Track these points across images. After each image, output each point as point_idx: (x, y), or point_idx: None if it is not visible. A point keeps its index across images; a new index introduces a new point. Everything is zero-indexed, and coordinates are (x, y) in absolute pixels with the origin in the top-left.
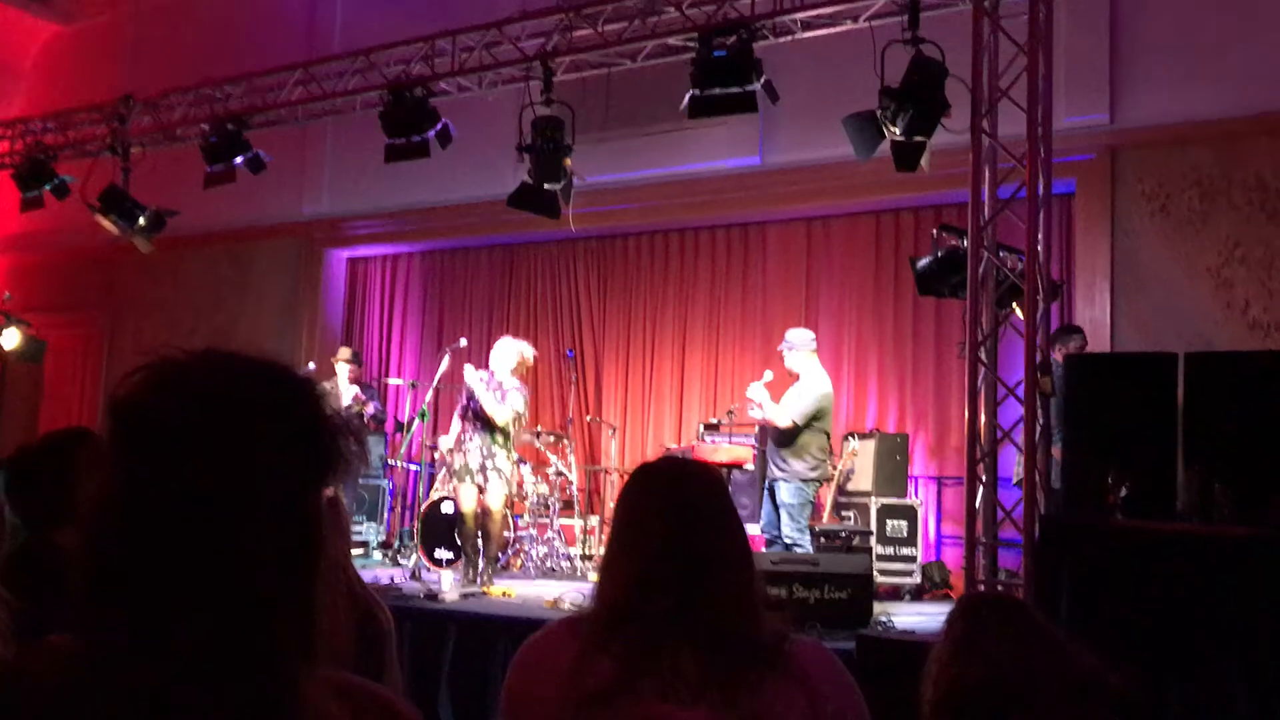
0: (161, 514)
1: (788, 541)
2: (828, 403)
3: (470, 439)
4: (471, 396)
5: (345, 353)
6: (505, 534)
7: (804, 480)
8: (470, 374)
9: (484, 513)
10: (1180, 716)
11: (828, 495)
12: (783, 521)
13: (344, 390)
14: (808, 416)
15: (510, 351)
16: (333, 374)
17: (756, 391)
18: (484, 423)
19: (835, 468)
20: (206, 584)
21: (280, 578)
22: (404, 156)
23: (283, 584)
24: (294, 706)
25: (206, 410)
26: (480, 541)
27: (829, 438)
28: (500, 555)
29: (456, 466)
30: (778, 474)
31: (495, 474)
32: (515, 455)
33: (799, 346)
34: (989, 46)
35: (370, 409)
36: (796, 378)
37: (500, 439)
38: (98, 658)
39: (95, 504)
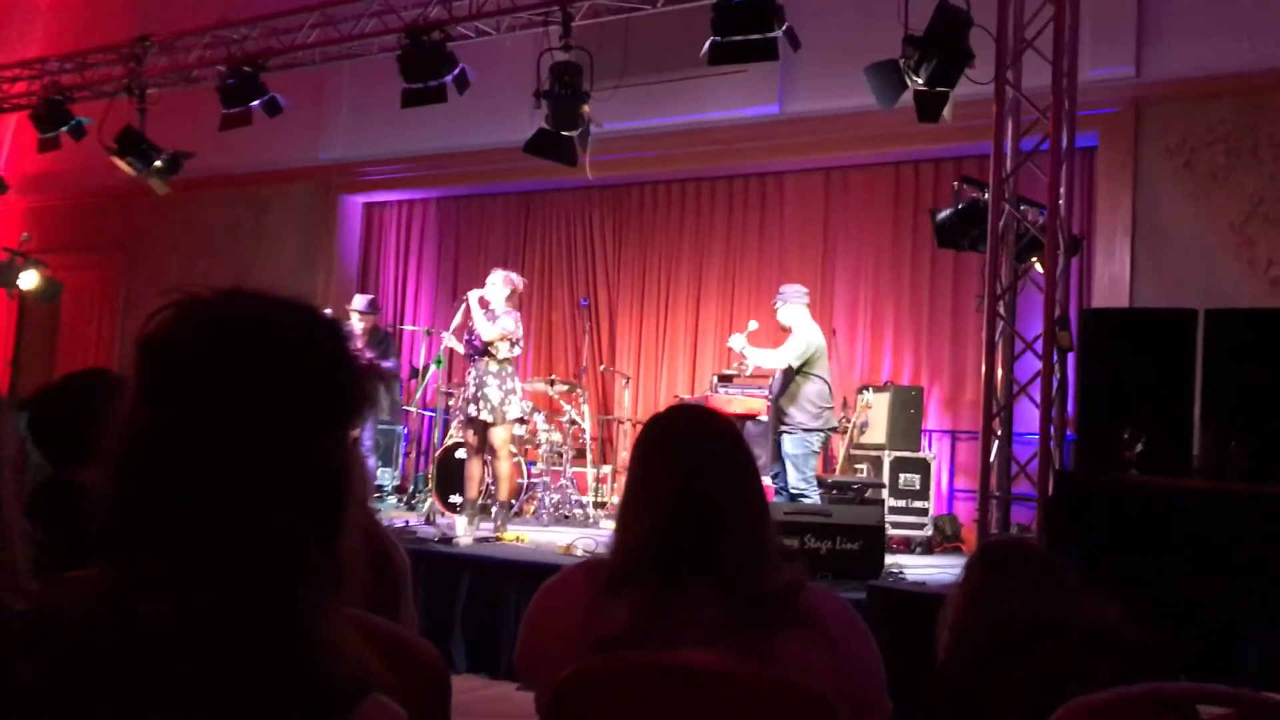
0: (187, 452)
1: (793, 492)
2: (819, 350)
3: (470, 373)
4: (468, 315)
5: (360, 301)
6: (519, 480)
7: (806, 430)
8: (472, 296)
9: (491, 452)
10: (1192, 669)
11: (841, 448)
12: (788, 472)
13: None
14: (799, 358)
15: (498, 280)
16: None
17: (736, 341)
18: (478, 348)
19: (849, 420)
20: (232, 522)
21: (305, 515)
22: (421, 101)
23: (309, 524)
24: (317, 637)
25: (233, 350)
26: (493, 486)
27: (829, 387)
28: (514, 501)
29: (459, 403)
30: (781, 427)
31: (489, 411)
32: (516, 387)
33: (792, 299)
34: None
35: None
36: (789, 331)
37: (494, 367)
38: (123, 593)
39: (121, 441)
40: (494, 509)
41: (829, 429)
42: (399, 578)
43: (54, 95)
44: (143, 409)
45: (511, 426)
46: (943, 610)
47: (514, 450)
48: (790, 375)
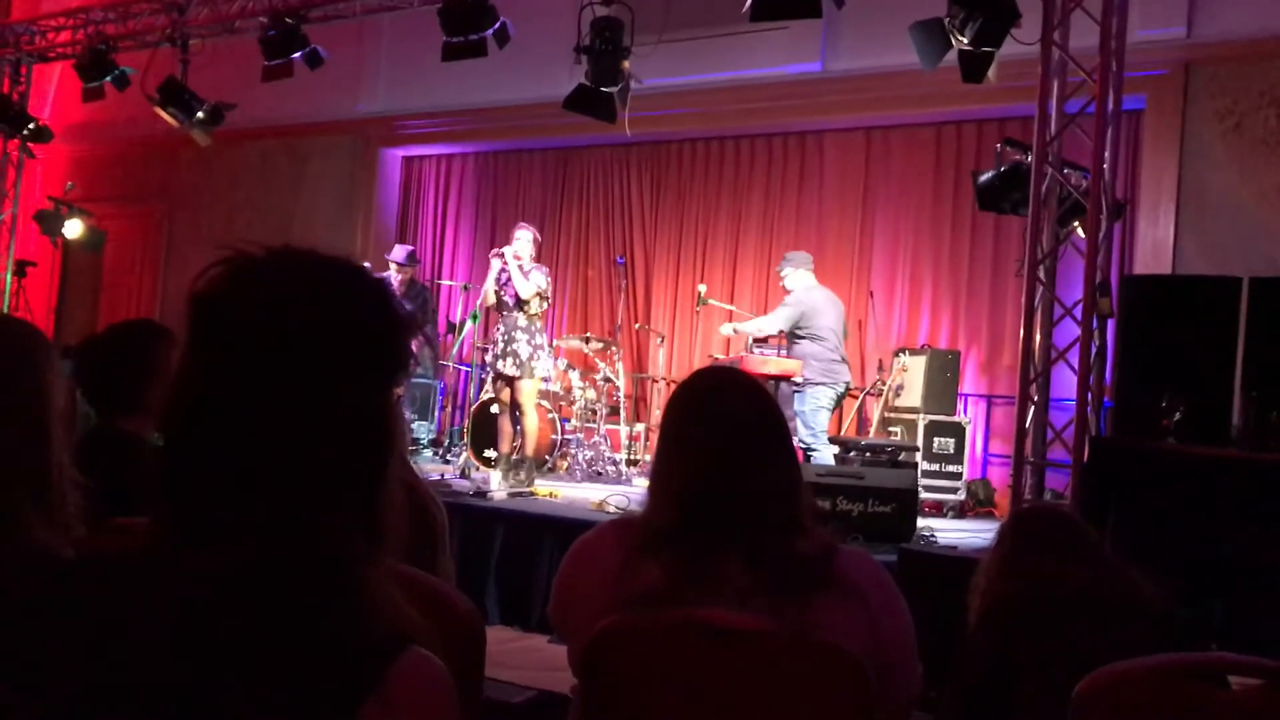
0: (237, 407)
1: (802, 446)
2: (811, 310)
3: (499, 328)
4: (504, 271)
5: (399, 252)
6: (553, 436)
7: (813, 385)
8: (507, 251)
9: (515, 409)
10: (1224, 639)
11: (875, 410)
12: (798, 427)
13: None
14: (788, 322)
15: (528, 237)
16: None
17: (726, 328)
18: (511, 306)
19: (884, 383)
20: (278, 475)
21: (352, 472)
22: (461, 55)
23: (354, 477)
24: (360, 590)
25: (284, 307)
26: (521, 441)
27: (835, 342)
28: (547, 457)
29: (489, 359)
30: (793, 387)
31: (515, 365)
32: (544, 343)
33: (794, 264)
34: None
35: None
36: (789, 294)
37: (522, 321)
38: (170, 543)
39: (172, 395)
40: (523, 463)
41: (841, 384)
42: (437, 531)
43: (98, 45)
44: (194, 364)
45: (539, 382)
46: (975, 576)
47: (547, 406)
48: (790, 338)
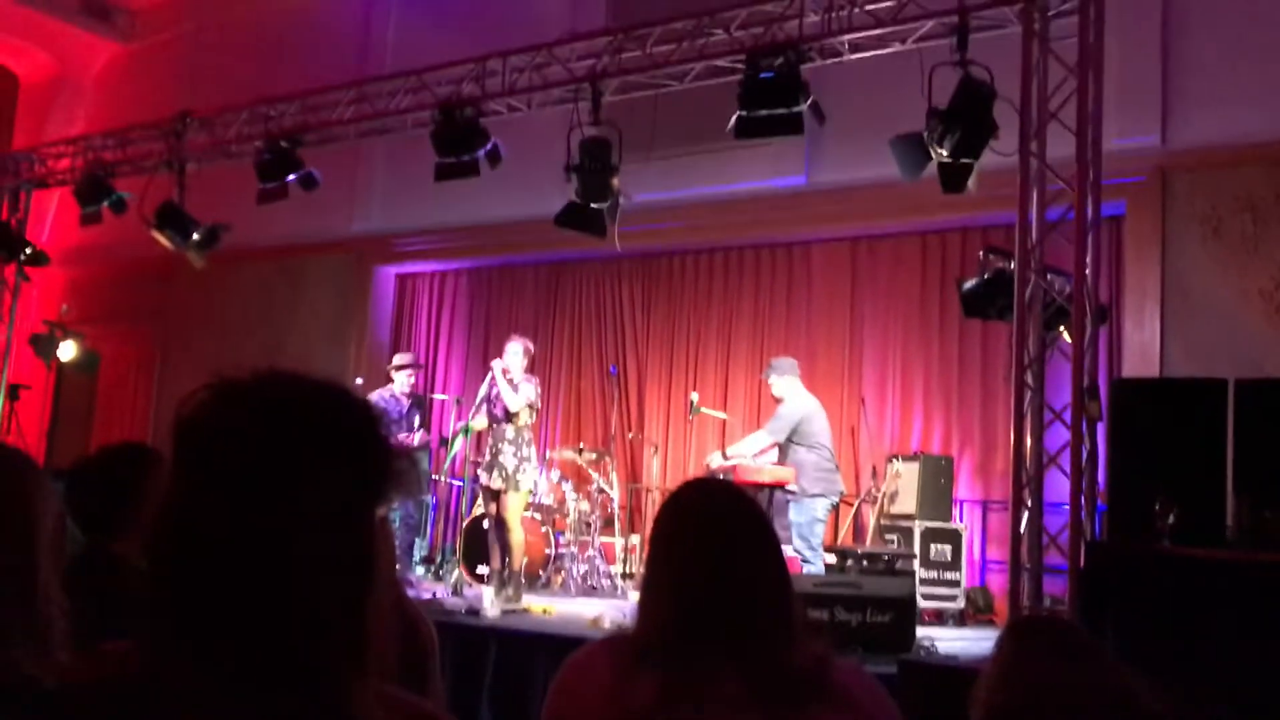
0: (222, 531)
1: (796, 559)
2: (807, 417)
3: (488, 441)
4: (493, 385)
5: (404, 357)
6: (545, 550)
7: (809, 497)
8: (496, 366)
9: (500, 524)
10: None
11: (871, 518)
12: (793, 538)
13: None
14: (785, 432)
15: (518, 349)
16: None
17: (714, 459)
18: (500, 419)
19: (878, 490)
20: (265, 599)
21: (337, 594)
22: (454, 175)
23: (339, 600)
24: (347, 715)
25: (268, 432)
26: (503, 554)
27: (829, 452)
28: (542, 572)
29: (479, 473)
30: (788, 496)
31: (501, 478)
32: (531, 455)
33: (783, 372)
34: (1038, 68)
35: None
36: (780, 402)
37: (510, 433)
38: (157, 666)
39: (158, 520)
40: (508, 579)
41: (836, 494)
42: (426, 651)
43: (96, 171)
44: (179, 489)
45: (525, 495)
46: (975, 688)
47: (540, 519)
48: (784, 447)
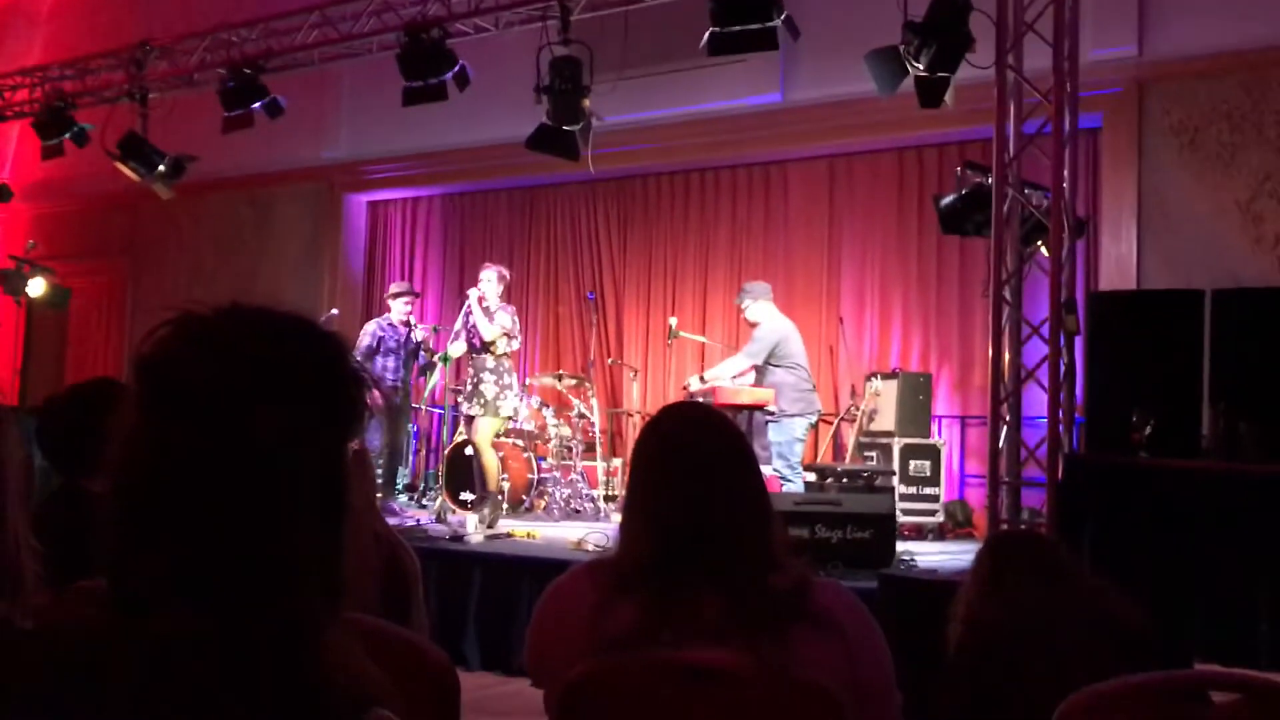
0: (186, 468)
1: (776, 478)
2: (783, 339)
3: (468, 369)
4: (469, 314)
5: (402, 285)
6: (528, 476)
7: (788, 417)
8: (472, 294)
9: (474, 449)
10: (1205, 653)
11: (850, 436)
12: (773, 458)
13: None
14: (762, 355)
15: (492, 276)
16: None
17: (694, 383)
18: (477, 347)
19: (857, 408)
20: (232, 537)
21: (305, 528)
22: (421, 99)
23: (307, 534)
24: (319, 651)
25: (231, 367)
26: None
27: (806, 372)
28: (525, 497)
29: (459, 401)
30: (766, 417)
31: (480, 405)
32: (513, 383)
33: (756, 296)
34: None
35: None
36: (756, 326)
37: (490, 362)
38: (127, 603)
39: (121, 456)
40: (484, 501)
41: (814, 413)
42: (408, 580)
43: (56, 102)
44: (141, 426)
45: (504, 421)
46: (953, 604)
47: (522, 445)
48: (761, 369)
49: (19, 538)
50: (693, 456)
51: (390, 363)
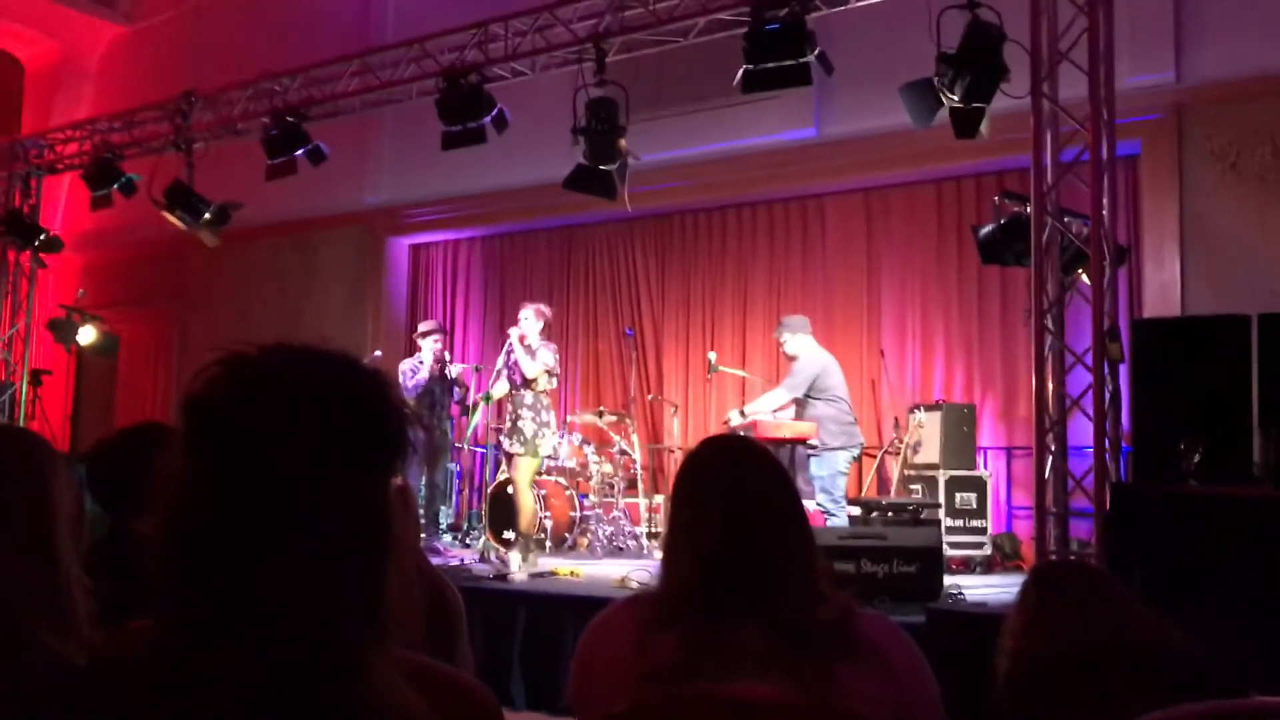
0: (234, 506)
1: (820, 512)
2: (824, 372)
3: (508, 407)
4: (510, 352)
5: (429, 324)
6: (570, 514)
7: (830, 450)
8: (513, 333)
9: (513, 485)
10: (1262, 682)
11: (895, 469)
12: (816, 492)
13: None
14: (802, 388)
15: (534, 315)
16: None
17: (734, 417)
18: (518, 384)
19: (901, 440)
20: (279, 571)
21: (351, 564)
22: (461, 143)
23: (354, 570)
24: (365, 686)
25: (277, 406)
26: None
27: (847, 405)
28: (567, 535)
29: (500, 439)
30: (809, 451)
31: (520, 443)
32: (551, 420)
33: (795, 329)
34: (1047, 8)
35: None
36: (795, 360)
37: (529, 399)
38: (177, 641)
39: (171, 496)
40: (516, 542)
41: (856, 446)
42: (453, 618)
43: (104, 154)
44: (189, 465)
45: (538, 462)
46: (1000, 639)
47: (564, 483)
48: (802, 402)
49: (70, 574)
50: (733, 487)
51: (425, 401)
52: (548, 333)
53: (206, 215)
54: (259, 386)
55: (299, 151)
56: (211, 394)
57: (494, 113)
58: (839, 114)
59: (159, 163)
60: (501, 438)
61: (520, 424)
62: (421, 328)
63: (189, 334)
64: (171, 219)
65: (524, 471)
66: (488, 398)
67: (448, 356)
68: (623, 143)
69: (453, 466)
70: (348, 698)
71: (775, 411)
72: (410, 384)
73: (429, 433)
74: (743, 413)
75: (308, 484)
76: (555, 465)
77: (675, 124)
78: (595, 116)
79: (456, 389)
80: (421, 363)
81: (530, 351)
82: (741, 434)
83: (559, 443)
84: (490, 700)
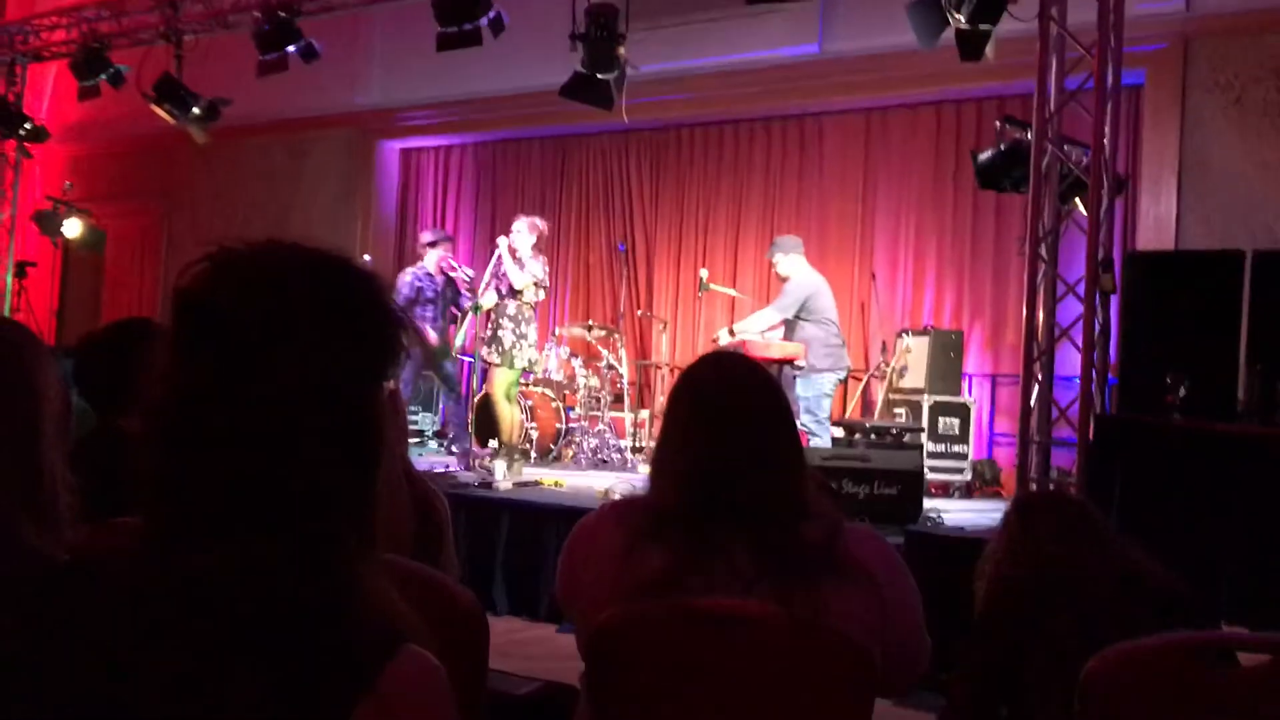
0: (223, 404)
1: (803, 431)
2: (814, 294)
3: (492, 316)
4: (499, 262)
5: (430, 234)
6: (557, 425)
7: (817, 372)
8: (502, 243)
9: (486, 398)
10: (1232, 616)
11: (880, 392)
12: (800, 413)
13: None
14: (793, 309)
15: (527, 228)
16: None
17: (723, 336)
18: (504, 293)
19: (887, 364)
20: (267, 472)
21: (340, 467)
22: (456, 45)
23: (343, 473)
24: (352, 589)
25: (268, 303)
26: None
27: (835, 327)
28: (553, 446)
29: (481, 348)
30: (795, 371)
31: (498, 354)
32: (530, 334)
33: (787, 250)
34: None
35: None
36: (786, 280)
37: (511, 309)
38: (163, 542)
39: (156, 392)
40: (501, 452)
41: (843, 368)
42: (440, 525)
43: (92, 43)
44: (178, 361)
45: (517, 373)
46: (980, 563)
47: (550, 395)
48: (791, 323)
49: (55, 471)
50: (727, 402)
51: (429, 312)
52: (541, 245)
53: (196, 110)
54: (250, 282)
55: (291, 48)
56: (201, 288)
57: (491, 14)
58: (843, 31)
59: (148, 54)
60: (482, 346)
61: (500, 334)
62: (425, 237)
63: (175, 231)
64: (160, 113)
65: (500, 382)
66: (476, 308)
67: (454, 264)
68: (622, 51)
69: (451, 369)
70: (335, 602)
71: (764, 332)
72: (408, 294)
73: (423, 340)
74: (731, 331)
75: (297, 382)
76: (541, 377)
77: (675, 34)
78: (595, 23)
79: (465, 294)
80: (428, 273)
81: (520, 262)
82: (735, 351)
83: (539, 356)
84: (475, 605)
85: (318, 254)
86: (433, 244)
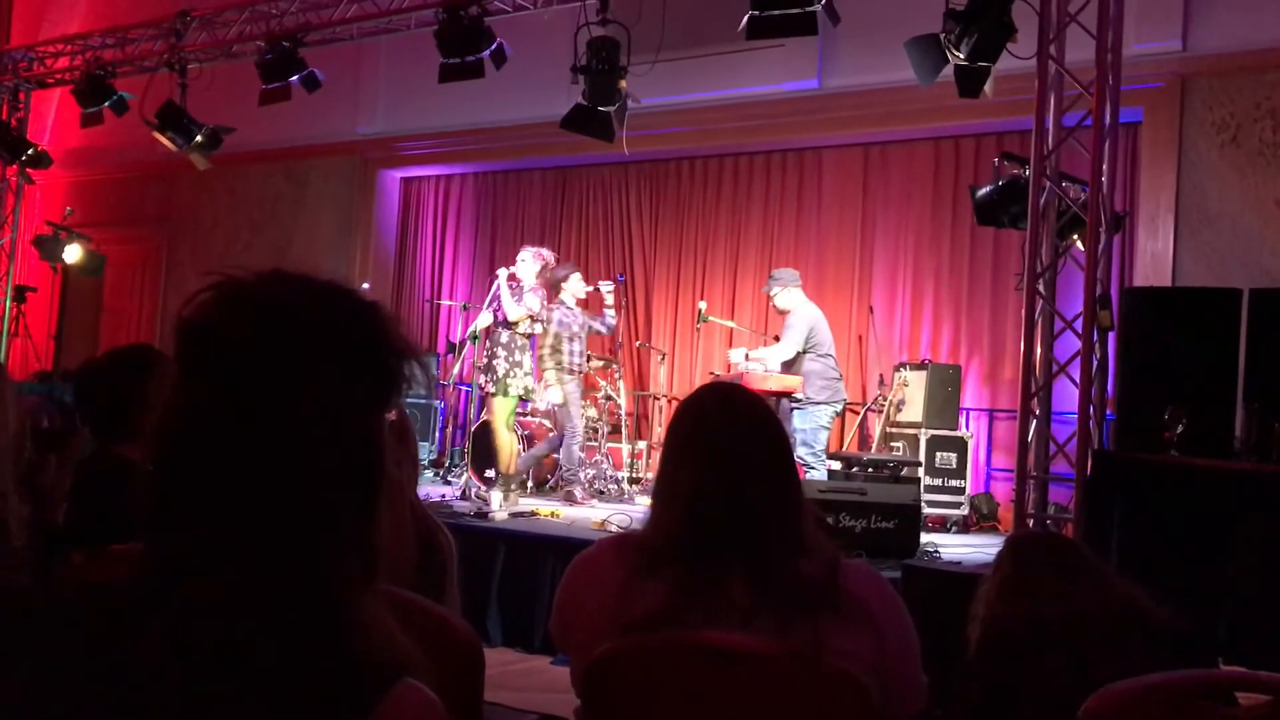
0: (225, 433)
1: (799, 464)
2: (816, 329)
3: (486, 344)
4: (496, 295)
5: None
6: (554, 456)
7: (814, 404)
8: (502, 274)
9: (484, 427)
10: (1231, 654)
11: (877, 426)
12: (797, 445)
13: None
14: (801, 343)
15: (531, 258)
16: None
17: (736, 355)
18: (502, 324)
19: (885, 398)
20: (269, 501)
21: (341, 497)
22: (458, 76)
23: (343, 503)
24: (352, 619)
25: (271, 332)
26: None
27: (833, 360)
28: (549, 477)
29: (477, 377)
30: (793, 404)
31: (493, 383)
32: (525, 361)
33: (786, 283)
34: None
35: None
36: (786, 313)
37: (504, 338)
38: (163, 572)
39: (161, 422)
40: (498, 481)
41: (840, 402)
42: (444, 559)
43: (96, 71)
44: (182, 389)
45: (513, 401)
46: (973, 604)
47: (549, 425)
48: (797, 355)
49: (4, 490)
50: (727, 434)
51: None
52: (545, 277)
53: (198, 138)
54: (253, 311)
55: (294, 78)
56: (205, 317)
57: (493, 47)
58: (842, 66)
59: (151, 82)
60: (478, 376)
61: (494, 362)
62: (561, 272)
63: (175, 258)
64: (163, 140)
65: (498, 411)
66: (474, 336)
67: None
68: (623, 84)
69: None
70: (334, 628)
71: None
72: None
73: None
74: (748, 356)
75: (300, 413)
76: (540, 408)
77: (676, 68)
78: (596, 56)
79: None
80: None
81: (518, 293)
82: (737, 383)
83: (536, 385)
84: (472, 637)
85: (321, 284)
86: (566, 277)
